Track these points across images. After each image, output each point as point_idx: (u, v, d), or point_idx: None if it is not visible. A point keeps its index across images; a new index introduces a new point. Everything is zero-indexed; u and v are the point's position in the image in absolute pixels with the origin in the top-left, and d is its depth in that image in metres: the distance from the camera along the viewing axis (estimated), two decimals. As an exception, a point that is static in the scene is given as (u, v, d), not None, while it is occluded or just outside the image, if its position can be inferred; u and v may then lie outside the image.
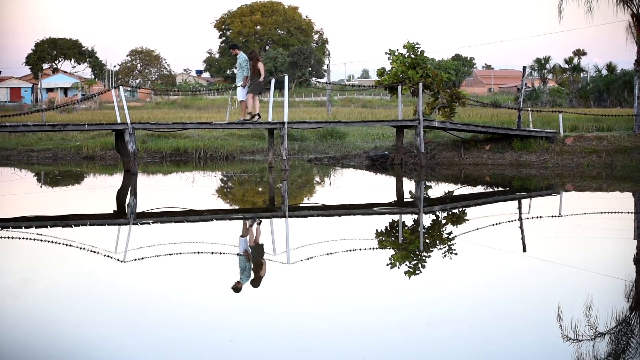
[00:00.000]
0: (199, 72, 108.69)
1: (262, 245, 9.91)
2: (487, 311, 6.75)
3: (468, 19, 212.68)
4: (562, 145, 20.88)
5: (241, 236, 10.62)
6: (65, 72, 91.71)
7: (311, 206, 14.17)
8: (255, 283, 7.78)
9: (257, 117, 19.75)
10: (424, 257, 9.06)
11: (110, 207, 14.14)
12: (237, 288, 7.50)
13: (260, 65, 19.59)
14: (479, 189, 17.09)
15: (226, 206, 14.68)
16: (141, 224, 11.76)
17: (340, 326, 6.30)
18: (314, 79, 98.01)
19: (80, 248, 9.42)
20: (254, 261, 8.86)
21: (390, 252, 9.53)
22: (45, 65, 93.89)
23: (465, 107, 27.16)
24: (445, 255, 9.10)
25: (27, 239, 10.19)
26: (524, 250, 9.52)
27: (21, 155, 24.25)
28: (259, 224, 11.66)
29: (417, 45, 21.92)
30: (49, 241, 9.93)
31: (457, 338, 5.99)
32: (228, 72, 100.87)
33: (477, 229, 10.79)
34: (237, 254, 9.21)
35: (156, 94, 72.63)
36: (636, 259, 8.94)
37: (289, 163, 20.13)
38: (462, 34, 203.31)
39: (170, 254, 8.93)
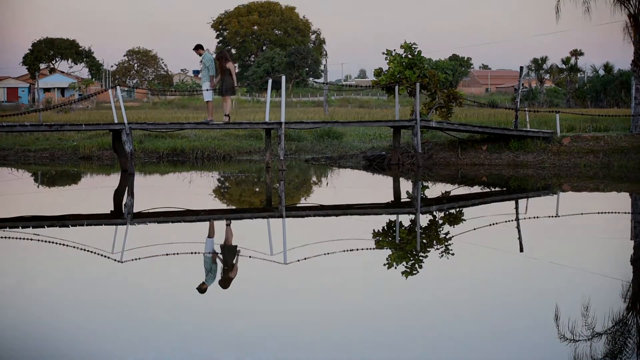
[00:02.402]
0: (196, 72, 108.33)
1: (234, 246, 9.84)
2: (484, 311, 6.75)
3: (465, 19, 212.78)
4: (559, 146, 20.90)
5: (208, 237, 10.55)
6: (63, 72, 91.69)
7: (308, 206, 14.17)
8: (225, 284, 7.75)
9: (227, 118, 19.60)
10: (421, 257, 9.06)
11: (108, 207, 14.13)
12: (201, 289, 7.47)
13: (230, 65, 19.40)
14: (476, 189, 17.09)
15: (223, 206, 14.67)
16: (138, 224, 11.76)
17: (337, 326, 6.30)
18: (311, 79, 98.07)
19: (78, 248, 9.41)
20: (224, 262, 8.84)
21: (387, 252, 9.53)
22: (42, 65, 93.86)
23: (463, 107, 27.19)
24: (442, 256, 9.10)
25: (24, 239, 10.17)
26: (521, 250, 9.53)
27: (18, 155, 24.23)
28: (229, 225, 11.64)
29: (414, 46, 21.91)
30: (46, 241, 9.92)
31: (454, 338, 5.99)
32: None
33: (474, 229, 10.80)
34: (204, 255, 9.21)
35: (153, 94, 72.62)
36: (633, 259, 8.95)
37: (286, 163, 20.12)
38: (460, 34, 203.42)
39: (167, 254, 8.92)
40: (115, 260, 8.74)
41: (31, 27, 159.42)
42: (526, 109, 26.07)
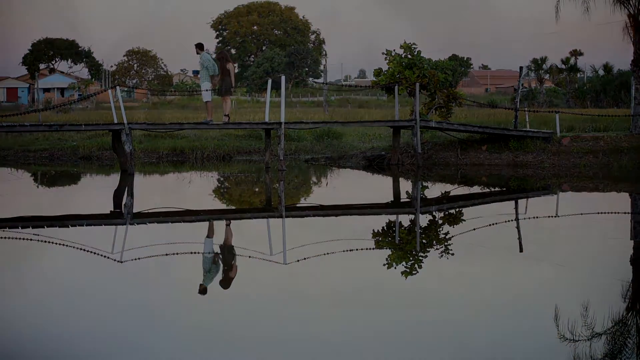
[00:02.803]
0: (195, 72, 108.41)
1: (232, 246, 9.85)
2: (483, 311, 6.75)
3: (465, 19, 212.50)
4: (559, 146, 20.90)
5: (208, 237, 10.53)
6: (62, 72, 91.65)
7: (308, 206, 14.17)
8: (225, 284, 7.76)
9: (227, 118, 19.70)
10: (420, 258, 9.06)
11: (107, 207, 14.13)
12: (201, 290, 7.47)
13: (230, 66, 19.44)
14: (476, 189, 17.09)
15: (223, 206, 14.67)
16: (138, 224, 11.75)
17: (337, 326, 6.30)
18: (310, 79, 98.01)
19: (77, 248, 9.41)
20: (224, 262, 8.84)
21: (387, 252, 9.52)
22: (42, 66, 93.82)
23: (462, 107, 27.18)
24: (441, 256, 9.10)
25: (24, 239, 10.17)
26: (521, 250, 9.53)
27: (18, 156, 24.22)
28: (228, 225, 11.64)
29: (413, 46, 21.90)
30: (46, 241, 9.92)
31: (454, 338, 5.99)
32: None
33: (474, 229, 10.79)
34: (203, 255, 9.21)
35: (153, 94, 72.60)
36: (633, 259, 8.95)
37: (285, 163, 20.12)
38: (459, 34, 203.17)
39: (167, 254, 8.92)
40: (115, 260, 8.75)
41: (31, 27, 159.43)
42: (526, 109, 26.06)
